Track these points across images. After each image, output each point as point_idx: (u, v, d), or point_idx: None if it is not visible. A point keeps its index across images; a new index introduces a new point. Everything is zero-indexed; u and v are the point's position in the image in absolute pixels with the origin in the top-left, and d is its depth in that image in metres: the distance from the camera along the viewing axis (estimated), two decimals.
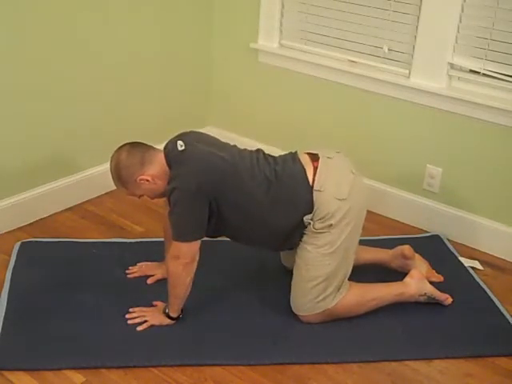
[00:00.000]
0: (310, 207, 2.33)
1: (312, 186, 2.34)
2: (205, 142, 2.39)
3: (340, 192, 2.34)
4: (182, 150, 2.30)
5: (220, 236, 2.49)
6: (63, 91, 3.02)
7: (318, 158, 2.41)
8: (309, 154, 2.45)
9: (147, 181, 2.34)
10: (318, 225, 2.33)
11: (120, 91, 3.27)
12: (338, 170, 2.42)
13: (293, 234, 2.39)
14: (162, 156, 2.35)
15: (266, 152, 2.48)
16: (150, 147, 2.41)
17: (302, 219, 2.34)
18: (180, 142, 2.33)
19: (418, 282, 2.55)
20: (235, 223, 2.37)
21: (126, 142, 2.42)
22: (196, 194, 2.24)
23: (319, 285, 2.38)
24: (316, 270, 2.37)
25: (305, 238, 2.38)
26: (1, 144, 2.87)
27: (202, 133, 2.53)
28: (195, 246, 2.30)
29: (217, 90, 3.71)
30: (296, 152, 2.48)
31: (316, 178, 2.35)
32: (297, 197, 2.35)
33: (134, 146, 2.40)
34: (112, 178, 2.42)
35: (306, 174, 2.36)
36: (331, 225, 2.32)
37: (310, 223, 2.34)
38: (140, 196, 2.44)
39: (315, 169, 2.37)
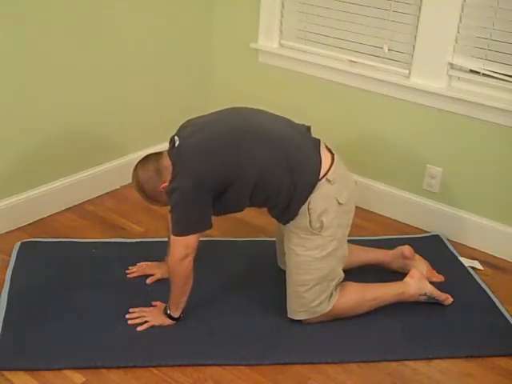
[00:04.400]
0: (312, 187, 2.30)
1: (326, 174, 2.32)
2: (204, 124, 2.36)
3: (341, 196, 2.34)
4: (177, 147, 2.30)
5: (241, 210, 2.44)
6: (63, 91, 3.01)
7: (333, 154, 2.40)
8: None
9: None
10: (314, 223, 2.32)
11: (120, 93, 3.27)
12: (347, 175, 2.43)
13: (292, 203, 2.32)
14: (168, 158, 2.34)
15: None
16: (159, 154, 2.39)
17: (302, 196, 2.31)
18: (176, 137, 2.33)
19: (418, 281, 2.55)
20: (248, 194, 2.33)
21: (137, 162, 2.42)
22: (196, 190, 2.23)
23: (312, 289, 2.37)
24: (306, 274, 2.36)
25: (295, 240, 2.37)
26: (1, 144, 2.87)
27: (205, 115, 2.48)
28: (198, 237, 2.30)
29: (217, 89, 3.70)
30: (316, 137, 2.45)
31: (332, 169, 2.34)
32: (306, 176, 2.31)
33: (145, 160, 2.40)
34: (143, 199, 2.44)
35: (320, 162, 2.34)
36: (322, 226, 2.31)
37: (306, 211, 2.30)
38: None
39: (333, 160, 2.37)
